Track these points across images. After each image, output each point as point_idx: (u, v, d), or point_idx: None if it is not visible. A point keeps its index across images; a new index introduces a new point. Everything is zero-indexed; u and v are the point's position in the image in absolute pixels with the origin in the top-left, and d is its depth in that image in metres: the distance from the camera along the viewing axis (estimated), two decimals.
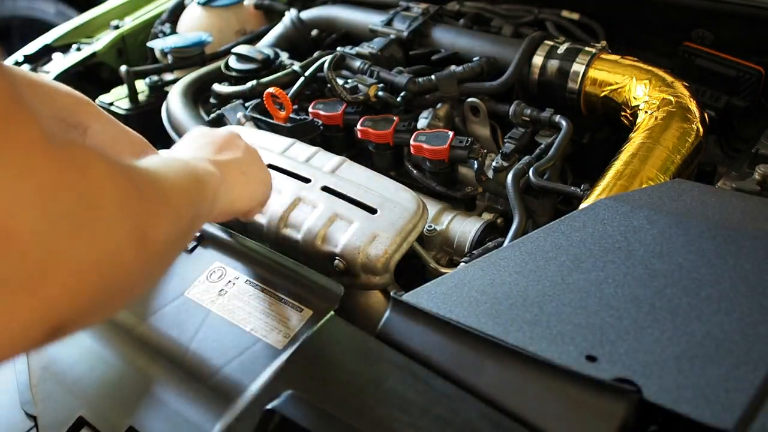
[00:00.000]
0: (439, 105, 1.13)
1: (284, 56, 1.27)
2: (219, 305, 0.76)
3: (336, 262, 0.83)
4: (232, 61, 1.26)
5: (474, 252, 0.89)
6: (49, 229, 0.36)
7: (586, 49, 1.09)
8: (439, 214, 0.97)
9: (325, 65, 1.15)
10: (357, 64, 1.19)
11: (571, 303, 0.64)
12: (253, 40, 1.47)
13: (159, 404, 0.69)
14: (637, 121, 1.00)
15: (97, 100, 1.33)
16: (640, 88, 1.02)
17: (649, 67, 1.04)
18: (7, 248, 0.34)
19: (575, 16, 1.31)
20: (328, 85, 1.15)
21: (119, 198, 0.42)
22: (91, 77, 1.45)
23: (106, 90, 1.38)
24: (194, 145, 0.74)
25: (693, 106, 0.98)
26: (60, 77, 1.36)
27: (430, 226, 0.93)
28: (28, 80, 0.82)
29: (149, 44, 1.43)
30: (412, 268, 0.90)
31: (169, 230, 0.51)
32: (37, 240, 0.35)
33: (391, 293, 0.73)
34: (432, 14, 1.30)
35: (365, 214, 0.85)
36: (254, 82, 1.18)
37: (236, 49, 1.28)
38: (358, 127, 1.06)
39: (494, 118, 1.14)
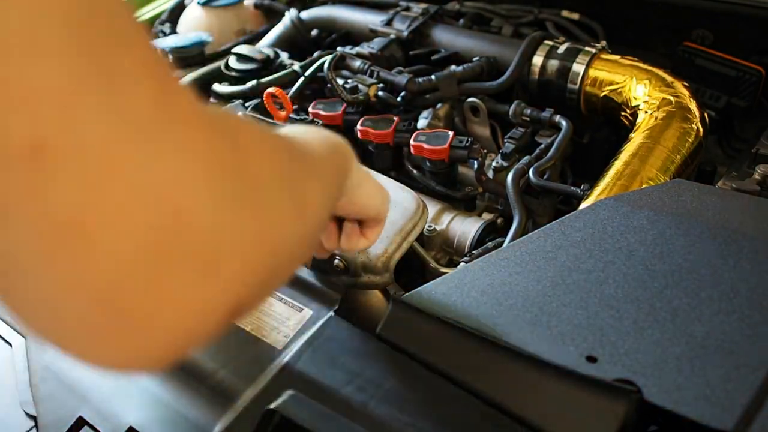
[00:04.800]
0: (439, 105, 1.13)
1: (284, 56, 1.27)
2: None
3: (336, 261, 0.83)
4: (232, 61, 1.26)
5: (474, 252, 0.89)
6: (219, 205, 0.33)
7: (586, 49, 1.09)
8: (439, 214, 0.97)
9: (325, 65, 1.15)
10: (357, 64, 1.19)
11: (571, 303, 0.64)
12: (253, 40, 1.46)
13: (159, 404, 0.69)
14: (637, 121, 1.00)
15: None
16: (640, 88, 1.02)
17: (649, 67, 1.04)
18: (183, 229, 0.31)
19: (575, 16, 1.31)
20: (328, 85, 1.15)
21: (273, 167, 0.40)
22: None
23: None
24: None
25: (693, 106, 0.98)
26: None
27: (430, 226, 0.93)
28: None
29: None
30: (412, 268, 0.90)
31: (322, 199, 0.48)
32: (209, 220, 0.32)
33: (391, 293, 0.73)
34: (432, 14, 1.30)
35: None
36: (254, 82, 1.18)
37: (236, 49, 1.28)
38: (358, 127, 1.06)
39: (494, 118, 1.14)
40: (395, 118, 1.06)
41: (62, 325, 0.31)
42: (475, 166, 0.99)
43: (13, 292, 0.30)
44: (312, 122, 1.09)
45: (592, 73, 1.07)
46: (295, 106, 1.13)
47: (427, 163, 1.02)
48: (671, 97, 0.99)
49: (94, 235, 0.28)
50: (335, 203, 0.56)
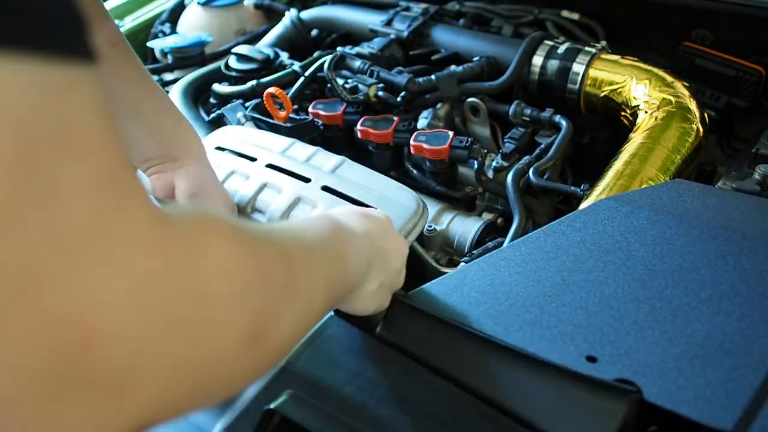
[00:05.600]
0: (439, 105, 1.13)
1: (284, 56, 1.27)
2: None
3: None
4: (232, 61, 1.26)
5: (474, 252, 0.89)
6: (141, 331, 0.31)
7: (586, 49, 1.09)
8: (439, 214, 0.97)
9: (325, 65, 1.15)
10: (357, 64, 1.19)
11: (571, 303, 0.64)
12: (253, 40, 1.46)
13: None
14: (637, 121, 1.00)
15: None
16: (640, 88, 1.02)
17: (649, 67, 1.04)
18: (90, 352, 0.29)
19: (575, 16, 1.31)
20: (328, 85, 1.15)
21: (236, 291, 0.37)
22: None
23: None
24: (361, 221, 0.63)
25: (693, 106, 0.98)
26: None
27: (430, 226, 0.93)
28: (148, 85, 0.81)
29: (149, 44, 1.43)
30: (412, 268, 0.90)
31: (294, 322, 0.44)
32: (126, 343, 0.30)
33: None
34: (432, 14, 1.30)
35: None
36: (254, 82, 1.18)
37: (236, 49, 1.28)
38: (358, 127, 1.06)
39: (494, 118, 1.14)
40: (395, 118, 1.06)
41: None
42: (475, 166, 0.99)
43: None
44: (312, 122, 1.09)
45: (592, 73, 1.07)
46: (295, 106, 1.13)
47: (427, 163, 1.02)
48: (671, 97, 0.99)
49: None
50: (318, 319, 0.52)
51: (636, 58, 1.07)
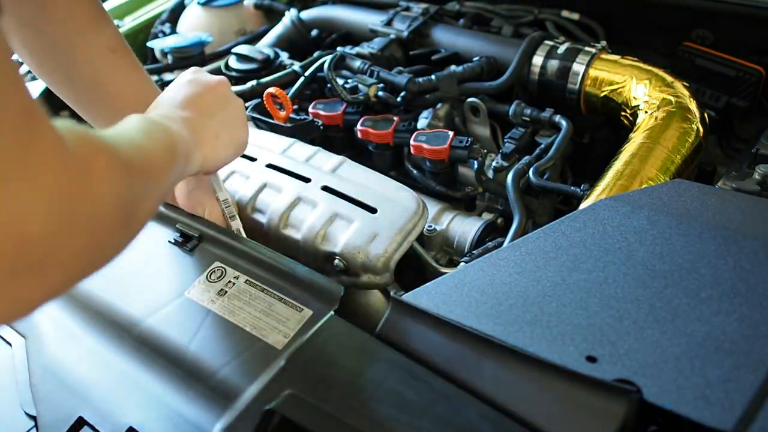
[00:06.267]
0: (439, 105, 1.13)
1: (284, 56, 1.27)
2: (219, 305, 0.76)
3: (336, 261, 0.83)
4: (232, 61, 1.27)
5: (474, 252, 0.89)
6: (56, 228, 0.42)
7: (586, 49, 1.09)
8: (439, 214, 0.97)
9: (325, 65, 1.15)
10: (357, 64, 1.19)
11: (571, 303, 0.64)
12: (253, 40, 1.47)
13: (159, 404, 0.69)
14: (637, 121, 1.00)
15: None
16: (640, 88, 1.02)
17: (649, 67, 1.04)
18: (20, 248, 0.40)
19: (575, 16, 1.31)
20: (328, 85, 1.15)
21: (116, 192, 0.49)
22: None
23: None
24: (176, 96, 0.77)
25: (693, 106, 0.98)
26: None
27: (430, 226, 0.93)
28: (150, 90, 0.86)
29: (149, 44, 1.43)
30: (412, 268, 0.90)
31: (150, 205, 0.60)
32: (45, 239, 0.42)
33: (391, 293, 0.73)
34: (432, 14, 1.30)
35: (365, 213, 0.85)
36: (254, 82, 1.18)
37: (236, 49, 1.28)
38: (358, 127, 1.06)
39: (494, 118, 1.14)
40: (395, 118, 1.06)
41: None
42: (475, 166, 0.99)
43: None
44: (312, 122, 1.09)
45: (592, 73, 1.07)
46: (295, 106, 1.13)
47: (427, 163, 1.02)
48: (671, 97, 0.99)
49: None
50: (168, 190, 0.68)
51: (636, 58, 1.07)
